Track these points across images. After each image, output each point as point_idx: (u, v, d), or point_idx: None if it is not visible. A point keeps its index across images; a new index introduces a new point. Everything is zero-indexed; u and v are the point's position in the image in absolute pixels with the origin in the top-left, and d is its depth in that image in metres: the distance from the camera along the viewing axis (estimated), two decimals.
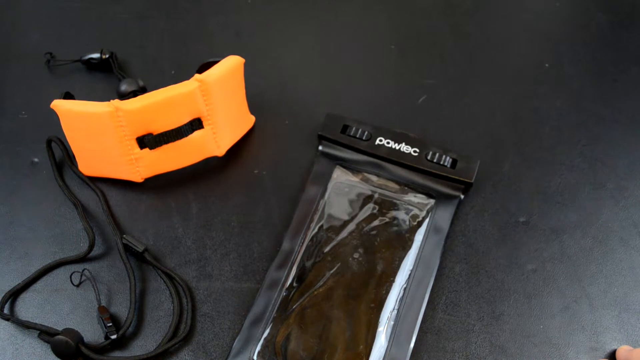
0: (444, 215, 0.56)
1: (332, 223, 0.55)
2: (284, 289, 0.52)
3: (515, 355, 0.50)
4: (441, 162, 0.57)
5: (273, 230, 0.56)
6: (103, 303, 0.52)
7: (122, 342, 0.50)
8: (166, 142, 0.55)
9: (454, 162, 0.57)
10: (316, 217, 0.56)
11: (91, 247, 0.54)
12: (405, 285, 0.52)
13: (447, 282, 0.53)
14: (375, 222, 0.55)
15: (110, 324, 0.50)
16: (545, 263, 0.54)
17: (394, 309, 0.51)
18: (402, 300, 0.51)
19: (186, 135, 0.56)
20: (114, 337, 0.49)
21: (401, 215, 0.56)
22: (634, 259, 0.55)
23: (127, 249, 0.54)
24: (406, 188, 0.57)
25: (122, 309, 0.52)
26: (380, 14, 0.73)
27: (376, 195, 0.57)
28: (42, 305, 0.52)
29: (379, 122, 0.60)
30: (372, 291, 0.52)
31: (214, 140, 0.58)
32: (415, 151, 0.58)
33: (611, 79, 0.67)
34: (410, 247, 0.54)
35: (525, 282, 0.53)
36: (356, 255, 0.54)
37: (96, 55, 0.65)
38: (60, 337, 0.48)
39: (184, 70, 0.63)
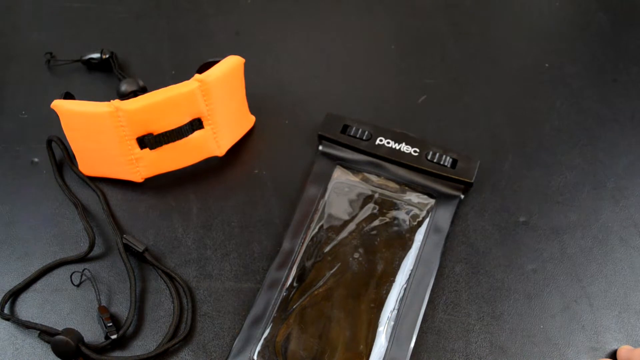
0: (444, 215, 0.56)
1: (332, 223, 0.55)
2: (284, 289, 0.52)
3: (515, 355, 0.50)
4: (441, 162, 0.57)
5: (273, 230, 0.56)
6: (103, 303, 0.52)
7: (122, 342, 0.50)
8: (166, 142, 0.55)
9: (454, 162, 0.57)
10: (316, 217, 0.56)
11: (91, 247, 0.54)
12: (405, 285, 0.52)
13: (447, 282, 0.53)
14: (376, 222, 0.55)
15: (111, 324, 0.50)
16: (545, 263, 0.54)
17: (394, 309, 0.51)
18: (402, 300, 0.51)
19: (186, 135, 0.56)
20: (114, 337, 0.49)
21: (401, 215, 0.56)
22: (634, 259, 0.55)
23: (127, 248, 0.54)
24: (406, 188, 0.57)
25: (122, 308, 0.52)
26: (380, 14, 0.73)
27: (376, 195, 0.57)
28: (42, 305, 0.52)
29: (379, 122, 0.60)
30: (372, 291, 0.52)
31: (214, 140, 0.58)
32: (415, 151, 0.58)
33: (611, 79, 0.67)
34: (410, 247, 0.54)
35: (525, 282, 0.53)
36: (356, 255, 0.54)
37: (96, 55, 0.65)
38: (60, 337, 0.48)
39: (184, 70, 0.63)
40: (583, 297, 0.53)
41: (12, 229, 0.56)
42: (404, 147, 0.58)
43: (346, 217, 0.56)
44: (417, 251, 0.54)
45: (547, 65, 0.68)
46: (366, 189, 0.58)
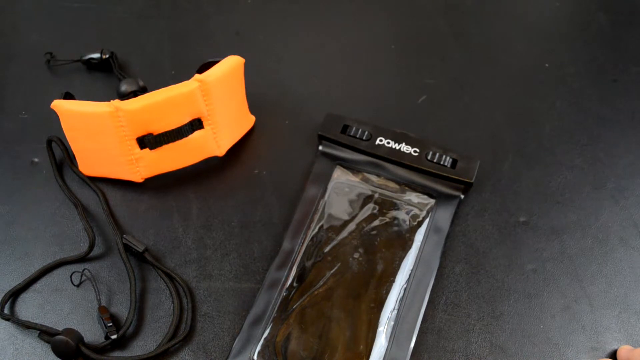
0: (444, 215, 0.56)
1: (332, 223, 0.55)
2: (284, 289, 0.52)
3: (515, 355, 0.50)
4: (441, 162, 0.57)
5: (273, 230, 0.56)
6: (103, 303, 0.52)
7: (122, 342, 0.50)
8: (166, 142, 0.55)
9: (454, 162, 0.57)
10: (316, 217, 0.56)
11: (91, 247, 0.54)
12: (405, 285, 0.52)
13: (447, 282, 0.53)
14: (376, 222, 0.55)
15: (111, 324, 0.50)
16: (545, 263, 0.54)
17: (394, 309, 0.51)
18: (402, 300, 0.51)
19: (186, 136, 0.56)
20: (114, 337, 0.49)
21: (401, 215, 0.56)
22: (634, 259, 0.55)
23: (127, 249, 0.54)
24: (406, 188, 0.57)
25: (122, 309, 0.52)
26: (380, 14, 0.73)
27: (376, 195, 0.57)
28: (42, 305, 0.52)
29: (379, 122, 0.60)
30: (372, 291, 0.52)
31: (214, 140, 0.58)
32: (415, 151, 0.58)
33: (611, 79, 0.67)
34: (410, 247, 0.54)
35: (525, 282, 0.53)
36: (356, 255, 0.54)
37: (96, 55, 0.65)
38: (60, 337, 0.48)
39: (184, 70, 0.63)
40: (583, 297, 0.53)
41: (12, 229, 0.56)
42: (404, 147, 0.58)
43: (346, 217, 0.56)
44: (417, 251, 0.54)
45: (547, 65, 0.68)
46: (366, 189, 0.58)
